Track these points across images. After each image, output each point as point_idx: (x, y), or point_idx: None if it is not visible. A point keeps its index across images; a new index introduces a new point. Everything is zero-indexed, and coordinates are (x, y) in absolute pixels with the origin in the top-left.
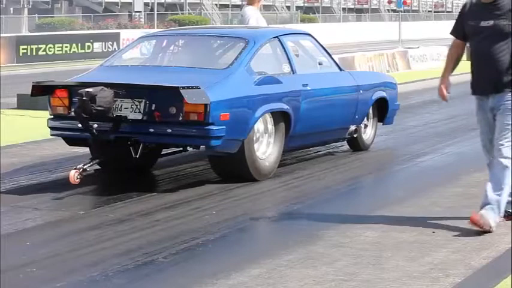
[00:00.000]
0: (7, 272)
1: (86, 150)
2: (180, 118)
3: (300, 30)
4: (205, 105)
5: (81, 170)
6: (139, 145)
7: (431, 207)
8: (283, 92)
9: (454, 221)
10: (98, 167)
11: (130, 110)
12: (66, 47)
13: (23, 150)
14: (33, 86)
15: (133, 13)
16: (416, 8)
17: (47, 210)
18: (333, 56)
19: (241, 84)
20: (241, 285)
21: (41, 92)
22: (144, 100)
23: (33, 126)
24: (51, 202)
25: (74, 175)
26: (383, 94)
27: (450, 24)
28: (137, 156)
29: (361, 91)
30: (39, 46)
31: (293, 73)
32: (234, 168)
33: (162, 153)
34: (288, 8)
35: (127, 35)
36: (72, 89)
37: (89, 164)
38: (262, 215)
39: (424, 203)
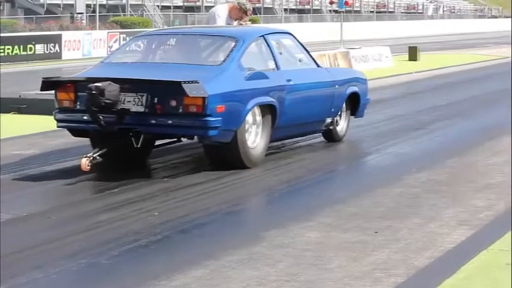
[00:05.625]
0: None
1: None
2: (180, 110)
3: (281, 29)
4: (204, 98)
5: (92, 158)
6: (140, 136)
7: (373, 207)
8: (270, 86)
9: (396, 221)
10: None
11: (132, 103)
12: (8, 48)
13: None
14: (42, 81)
15: (75, 15)
16: (358, 9)
17: None
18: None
19: (234, 79)
20: (183, 286)
21: (50, 87)
22: (146, 94)
23: None
24: None
25: (85, 163)
26: (355, 89)
27: (392, 24)
28: (138, 146)
29: (336, 86)
30: None
31: (277, 69)
32: (227, 156)
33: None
34: None
35: (69, 36)
36: (77, 84)
37: (98, 153)
38: (205, 215)
39: (366, 203)
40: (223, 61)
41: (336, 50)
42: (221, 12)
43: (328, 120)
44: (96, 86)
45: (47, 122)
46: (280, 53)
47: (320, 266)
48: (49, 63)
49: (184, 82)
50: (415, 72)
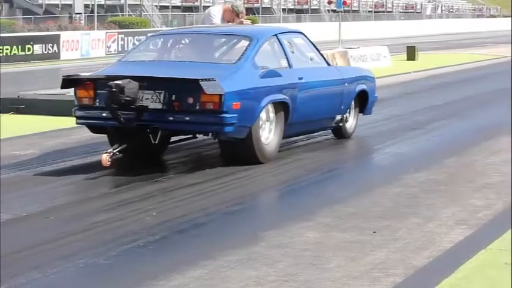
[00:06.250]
0: None
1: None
2: (197, 107)
3: (293, 29)
4: (220, 95)
5: (112, 153)
6: (158, 132)
7: (372, 207)
8: (283, 84)
9: (394, 220)
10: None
11: (150, 100)
12: (7, 49)
13: None
14: (63, 79)
15: (73, 15)
16: (357, 8)
17: None
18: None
19: (249, 77)
20: (182, 286)
21: (69, 85)
22: (163, 91)
23: None
24: None
25: (105, 158)
26: (364, 87)
27: (390, 24)
28: (156, 142)
29: (346, 84)
30: None
31: (290, 67)
32: (242, 152)
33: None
34: None
35: (67, 36)
36: (97, 82)
37: (118, 148)
38: (203, 215)
39: (365, 203)
40: (238, 59)
41: (334, 50)
42: (215, 13)
43: (338, 117)
44: (116, 83)
45: (46, 122)
46: (292, 52)
47: (319, 265)
48: (47, 64)
49: (202, 80)
50: (413, 71)
